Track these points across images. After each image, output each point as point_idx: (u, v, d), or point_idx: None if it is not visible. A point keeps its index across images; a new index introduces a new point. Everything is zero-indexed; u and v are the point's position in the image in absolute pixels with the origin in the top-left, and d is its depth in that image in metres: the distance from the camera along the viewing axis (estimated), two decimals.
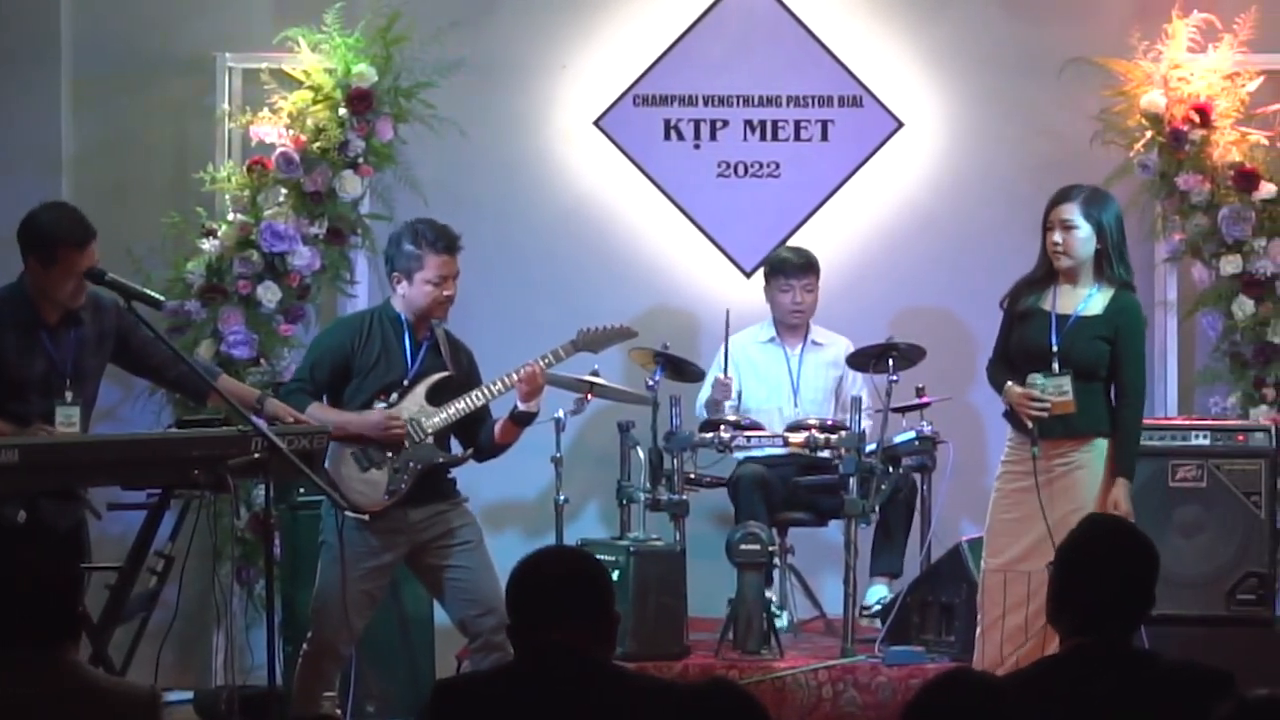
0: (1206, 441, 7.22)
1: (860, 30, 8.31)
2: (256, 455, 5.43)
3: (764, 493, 7.46)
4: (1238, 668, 3.91)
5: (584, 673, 3.69)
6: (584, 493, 8.08)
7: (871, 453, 7.15)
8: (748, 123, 8.30)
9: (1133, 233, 7.61)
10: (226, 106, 7.95)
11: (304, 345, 7.26)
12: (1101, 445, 6.10)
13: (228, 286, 7.72)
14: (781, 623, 7.32)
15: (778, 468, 7.58)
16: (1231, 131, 7.86)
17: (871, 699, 6.87)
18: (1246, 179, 7.81)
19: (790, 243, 8.14)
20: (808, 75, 8.28)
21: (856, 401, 7.29)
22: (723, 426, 7.30)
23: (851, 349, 7.68)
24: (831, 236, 8.26)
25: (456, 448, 6.47)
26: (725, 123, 8.29)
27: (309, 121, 7.75)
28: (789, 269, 7.81)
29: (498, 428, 6.40)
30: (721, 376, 7.61)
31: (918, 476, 7.48)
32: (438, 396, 6.32)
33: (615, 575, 6.79)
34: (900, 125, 8.30)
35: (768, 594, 7.21)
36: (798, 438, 7.30)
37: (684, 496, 7.21)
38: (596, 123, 8.29)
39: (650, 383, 7.31)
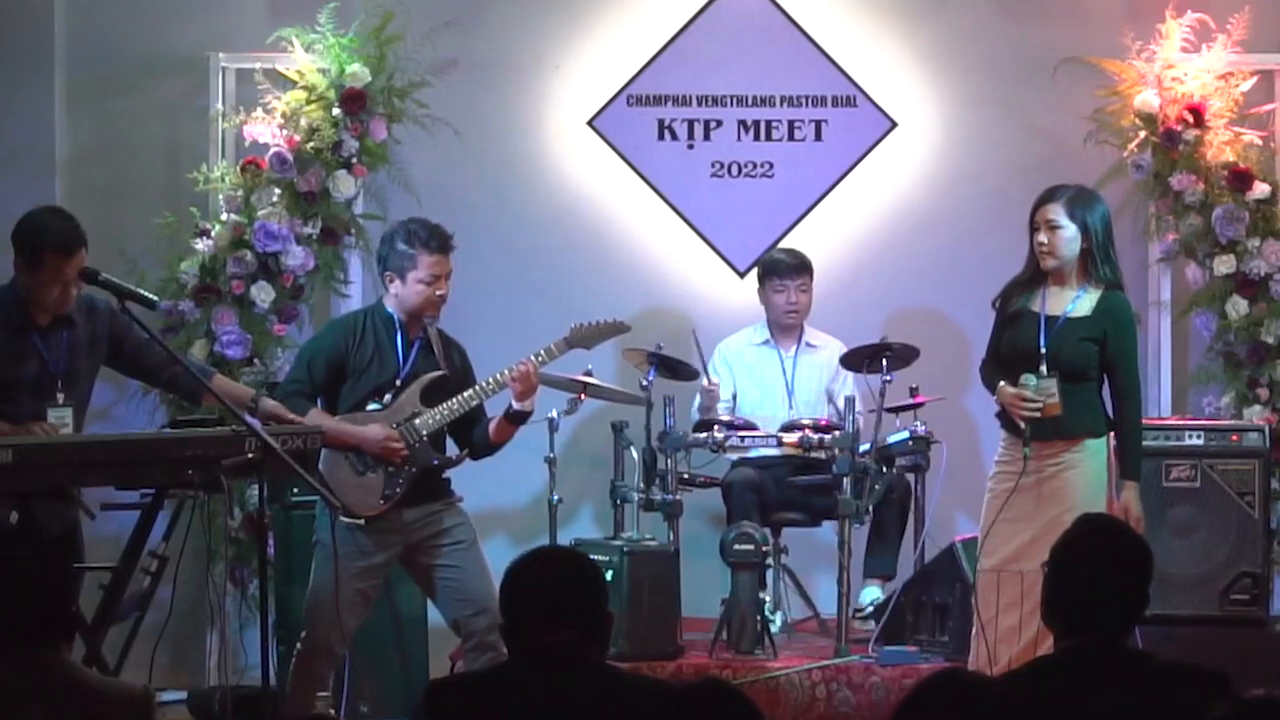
0: (1200, 441, 7.24)
1: (854, 30, 8.31)
2: (250, 455, 5.43)
3: (756, 496, 7.46)
4: (1232, 668, 3.90)
5: (578, 673, 3.69)
6: (578, 493, 8.07)
7: (865, 453, 7.15)
8: (741, 123, 8.29)
9: (1126, 233, 7.64)
10: (220, 107, 7.93)
11: (297, 345, 7.24)
12: (1092, 446, 6.09)
13: (221, 286, 7.72)
14: (775, 623, 7.32)
15: (771, 468, 7.59)
16: (1225, 131, 7.86)
17: (865, 699, 6.87)
18: (1240, 179, 7.82)
19: (784, 243, 8.13)
20: (801, 75, 8.28)
21: (850, 402, 7.29)
22: (716, 426, 7.30)
23: (844, 351, 7.67)
24: (825, 236, 8.26)
25: (451, 446, 6.47)
26: (719, 123, 8.29)
27: (302, 121, 7.75)
28: (783, 270, 7.80)
29: (492, 427, 6.39)
30: (705, 384, 7.61)
31: (911, 477, 7.48)
32: (432, 396, 6.30)
33: (609, 575, 6.79)
34: (894, 125, 8.30)
35: (761, 594, 7.20)
36: (791, 437, 7.30)
37: (678, 496, 7.20)
38: (590, 123, 8.29)
39: (644, 383, 7.31)
